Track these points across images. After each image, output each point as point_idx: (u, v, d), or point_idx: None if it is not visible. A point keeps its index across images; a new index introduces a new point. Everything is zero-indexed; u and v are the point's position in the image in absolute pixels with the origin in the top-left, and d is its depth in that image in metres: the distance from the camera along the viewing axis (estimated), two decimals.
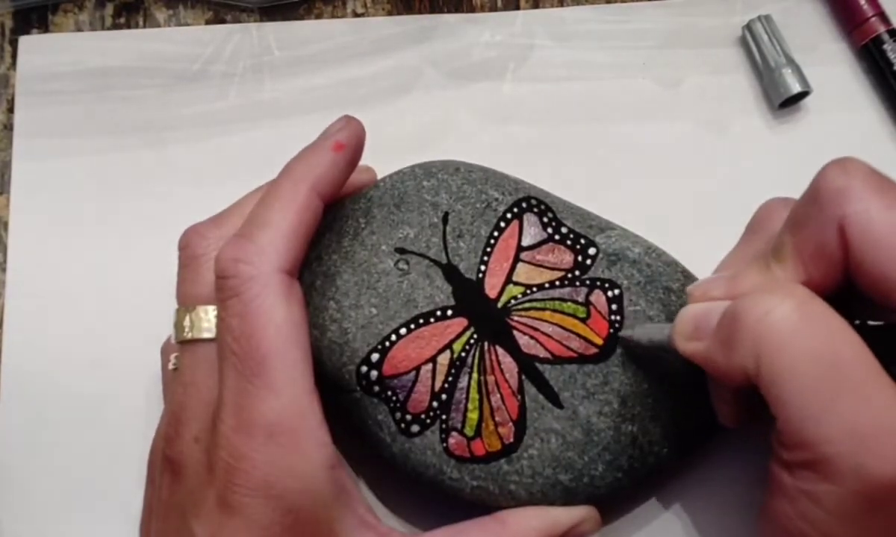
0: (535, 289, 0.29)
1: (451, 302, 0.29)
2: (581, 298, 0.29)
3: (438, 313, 0.29)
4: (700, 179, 0.36)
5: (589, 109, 0.37)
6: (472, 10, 0.39)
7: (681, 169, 0.36)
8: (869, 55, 0.37)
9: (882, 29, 0.37)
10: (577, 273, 0.29)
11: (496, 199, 0.30)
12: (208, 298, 0.27)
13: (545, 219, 0.30)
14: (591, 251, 0.30)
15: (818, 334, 0.21)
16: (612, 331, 0.29)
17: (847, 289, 0.23)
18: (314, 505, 0.24)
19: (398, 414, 0.28)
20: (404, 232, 0.29)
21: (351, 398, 0.29)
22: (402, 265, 0.29)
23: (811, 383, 0.20)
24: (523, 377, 0.28)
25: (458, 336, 0.29)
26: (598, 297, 0.29)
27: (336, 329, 0.29)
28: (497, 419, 0.28)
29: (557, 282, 0.29)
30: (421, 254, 0.29)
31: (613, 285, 0.29)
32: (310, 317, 0.28)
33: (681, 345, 0.25)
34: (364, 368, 0.28)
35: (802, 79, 0.36)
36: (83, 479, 0.33)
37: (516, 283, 0.29)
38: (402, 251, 0.29)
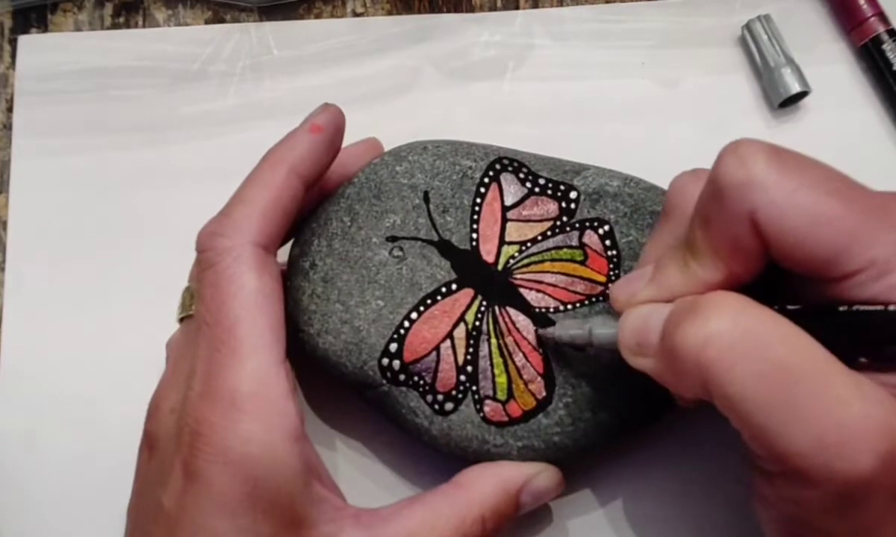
0: (529, 244, 0.30)
1: (453, 275, 0.29)
2: (574, 242, 0.30)
3: (444, 290, 0.29)
4: None
5: (588, 109, 0.37)
6: (471, 9, 0.39)
7: (680, 169, 0.36)
8: (868, 55, 0.37)
9: (881, 29, 0.37)
10: (564, 219, 0.30)
11: (470, 167, 0.30)
12: None
13: (521, 176, 0.30)
14: (573, 195, 0.30)
15: (759, 351, 0.20)
16: (611, 266, 0.29)
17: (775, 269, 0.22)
18: (274, 475, 0.24)
19: (429, 397, 0.29)
20: (390, 220, 0.30)
21: (379, 392, 0.29)
22: (396, 252, 0.29)
23: (764, 402, 0.20)
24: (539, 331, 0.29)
25: (468, 306, 0.29)
26: (590, 237, 0.30)
27: (348, 330, 0.29)
28: (525, 377, 0.29)
29: (549, 233, 0.30)
30: (412, 238, 0.30)
31: (602, 222, 0.30)
32: (319, 325, 0.29)
33: (629, 359, 0.24)
34: (385, 360, 0.29)
35: (802, 78, 0.36)
36: (83, 479, 0.33)
37: (510, 243, 0.30)
38: (393, 239, 0.30)
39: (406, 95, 0.37)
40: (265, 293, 0.26)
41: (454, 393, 0.29)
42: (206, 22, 0.39)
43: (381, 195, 0.30)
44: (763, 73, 0.37)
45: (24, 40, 0.38)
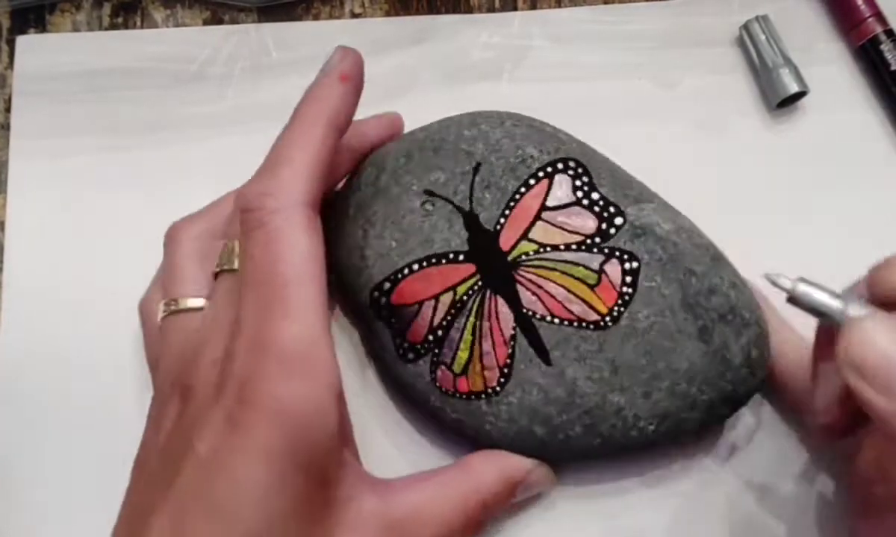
0: (548, 248, 0.30)
1: (465, 248, 0.30)
2: (595, 265, 0.30)
3: (451, 256, 0.30)
4: (697, 180, 0.36)
5: (586, 110, 0.37)
6: (469, 10, 0.39)
7: (678, 169, 0.36)
8: (866, 55, 0.37)
9: (879, 29, 0.37)
10: (597, 240, 0.30)
11: (532, 156, 0.31)
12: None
13: (577, 183, 0.31)
14: (618, 221, 0.30)
15: None
16: (619, 302, 0.29)
17: None
18: (316, 432, 0.25)
19: (398, 340, 0.31)
20: (436, 175, 0.31)
21: (367, 318, 0.31)
22: (427, 206, 0.31)
23: None
24: (517, 329, 0.29)
25: (464, 280, 0.30)
26: (613, 267, 0.29)
27: (358, 254, 0.31)
28: (484, 363, 0.30)
29: (574, 246, 0.30)
30: (446, 199, 0.31)
31: (633, 257, 0.29)
32: (340, 238, 0.31)
33: (859, 388, 0.22)
34: (376, 294, 0.31)
35: (800, 79, 0.36)
36: (82, 480, 0.33)
37: (531, 241, 0.30)
38: (430, 193, 0.31)
39: (404, 96, 0.37)
40: (315, 255, 0.26)
41: (419, 346, 0.30)
42: (205, 22, 0.39)
43: (439, 150, 0.31)
44: (761, 74, 0.37)
45: (22, 41, 0.38)
